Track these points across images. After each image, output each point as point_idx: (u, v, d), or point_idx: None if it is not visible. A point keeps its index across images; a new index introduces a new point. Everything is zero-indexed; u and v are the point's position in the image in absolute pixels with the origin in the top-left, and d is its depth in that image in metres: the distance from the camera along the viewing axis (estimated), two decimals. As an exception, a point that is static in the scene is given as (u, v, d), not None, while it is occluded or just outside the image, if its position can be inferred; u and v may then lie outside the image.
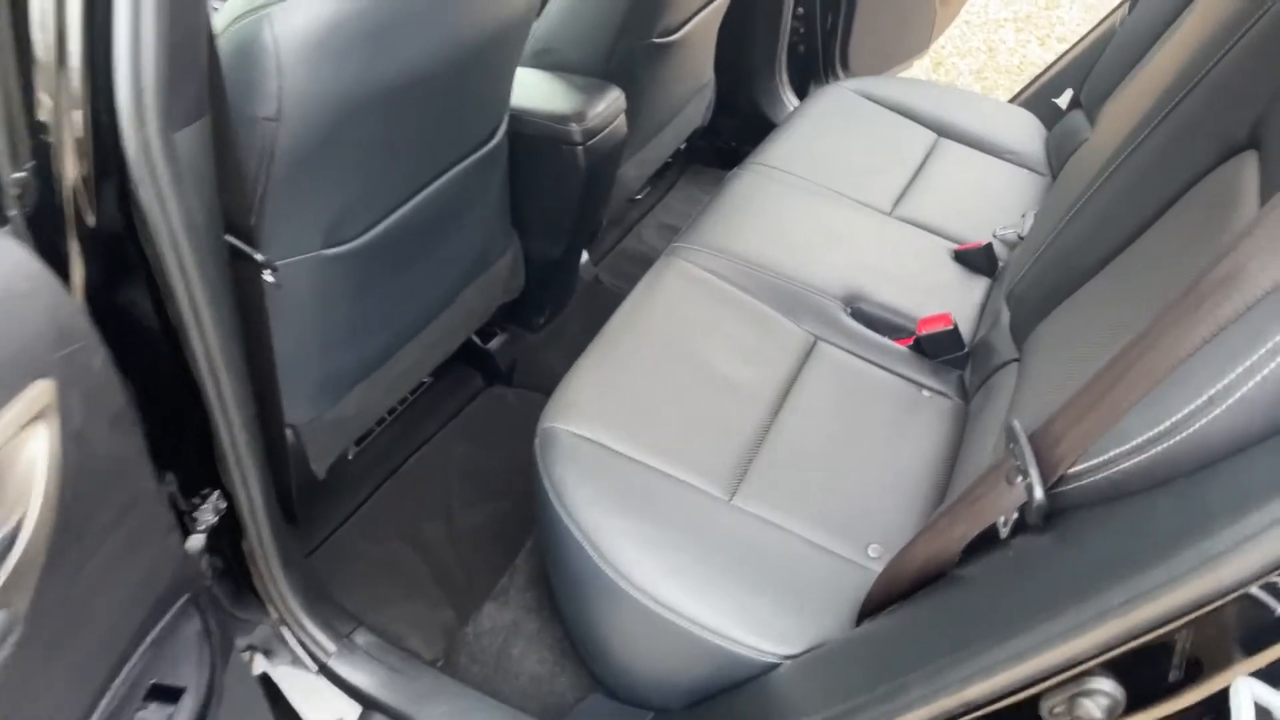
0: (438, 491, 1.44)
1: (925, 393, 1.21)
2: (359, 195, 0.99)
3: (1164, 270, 0.86)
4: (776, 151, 1.59)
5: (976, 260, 1.40)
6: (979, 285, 1.38)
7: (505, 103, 1.27)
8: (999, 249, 1.46)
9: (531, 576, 1.32)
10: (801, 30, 2.18)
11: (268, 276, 0.91)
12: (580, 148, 1.41)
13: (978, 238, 1.48)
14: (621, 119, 1.49)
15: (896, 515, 1.04)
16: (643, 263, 1.95)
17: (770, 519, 1.01)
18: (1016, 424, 0.66)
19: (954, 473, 1.10)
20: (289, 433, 1.13)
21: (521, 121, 1.38)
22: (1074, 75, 1.76)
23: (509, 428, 1.59)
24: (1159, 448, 0.52)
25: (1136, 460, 0.54)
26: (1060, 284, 1.06)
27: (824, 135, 1.66)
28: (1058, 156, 1.69)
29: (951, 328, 1.23)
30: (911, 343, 1.26)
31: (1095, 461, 0.57)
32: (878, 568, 0.98)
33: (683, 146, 2.13)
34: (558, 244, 1.55)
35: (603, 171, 1.49)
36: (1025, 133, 1.75)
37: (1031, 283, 1.12)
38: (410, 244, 1.14)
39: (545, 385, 1.69)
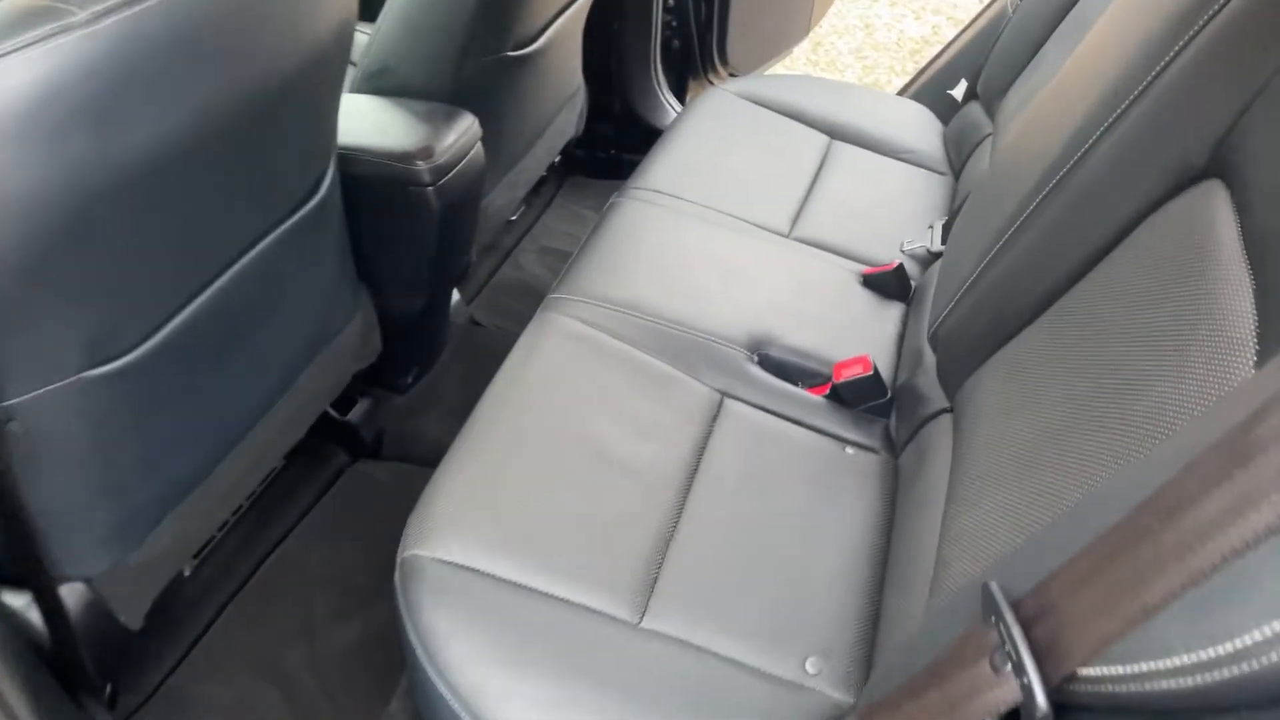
0: (297, 606, 1.22)
1: (849, 449, 1.06)
2: (126, 300, 0.76)
3: (1122, 331, 0.73)
4: (658, 172, 1.42)
5: (888, 284, 1.26)
6: (894, 313, 1.24)
7: (329, 148, 1.05)
8: (910, 267, 1.33)
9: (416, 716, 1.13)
10: (674, 25, 2.01)
11: (11, 427, 0.69)
12: (431, 188, 1.20)
13: (885, 254, 1.35)
14: (478, 148, 1.29)
15: (833, 613, 0.89)
16: (524, 294, 1.76)
17: (689, 639, 0.84)
18: (996, 590, 0.50)
19: (891, 550, 0.96)
20: (81, 588, 0.89)
21: (357, 162, 1.17)
22: (966, 64, 1.65)
23: (380, 513, 1.37)
24: (1217, 674, 0.37)
25: (1183, 682, 0.39)
26: (992, 329, 0.92)
27: (708, 148, 1.49)
28: (957, 153, 1.57)
29: (871, 373, 1.08)
30: (828, 390, 1.11)
31: (1121, 670, 0.42)
32: (819, 685, 0.83)
33: (557, 160, 1.94)
34: (417, 297, 1.33)
35: (462, 210, 1.29)
36: (920, 129, 1.63)
37: (957, 324, 0.98)
38: (217, 339, 0.92)
39: (420, 454, 1.48)
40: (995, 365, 0.91)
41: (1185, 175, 0.74)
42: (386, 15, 1.26)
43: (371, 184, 1.18)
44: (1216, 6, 0.71)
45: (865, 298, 1.26)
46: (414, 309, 1.35)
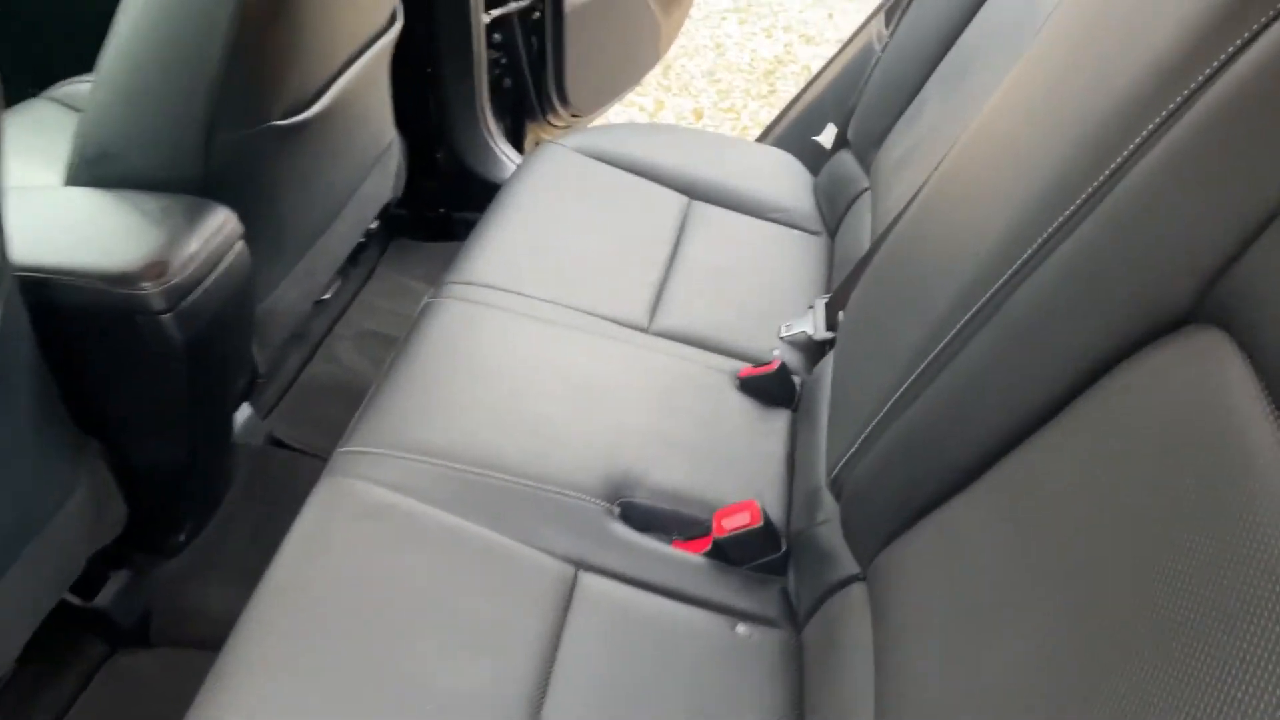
0: None
1: (740, 627, 0.83)
2: None
3: (1098, 520, 0.52)
4: (482, 259, 1.15)
5: (769, 389, 1.04)
6: (779, 424, 1.02)
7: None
8: (791, 358, 1.11)
9: None
10: (504, 62, 1.75)
11: None
12: (167, 316, 0.89)
13: (761, 343, 1.13)
14: (239, 249, 0.99)
15: None
16: (340, 396, 1.46)
17: None
18: None
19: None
20: None
21: (58, 287, 0.85)
22: (833, 106, 1.46)
23: (150, 715, 1.06)
24: None
25: None
26: (908, 491, 0.71)
27: (545, 222, 1.24)
28: (831, 209, 1.38)
29: (760, 524, 0.86)
30: (709, 546, 0.88)
31: None
32: None
33: (374, 226, 1.64)
34: (173, 446, 1.02)
35: (221, 333, 0.99)
36: (788, 182, 1.43)
37: (864, 477, 0.76)
38: None
39: (199, 635, 1.17)
40: (918, 541, 0.70)
41: (1164, 317, 0.54)
42: (99, 85, 0.95)
43: (82, 316, 0.87)
44: (1205, 74, 0.52)
45: (744, 408, 1.03)
46: (172, 460, 1.04)
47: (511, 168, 1.73)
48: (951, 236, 0.74)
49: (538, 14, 1.68)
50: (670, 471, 0.92)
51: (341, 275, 1.68)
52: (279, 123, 1.04)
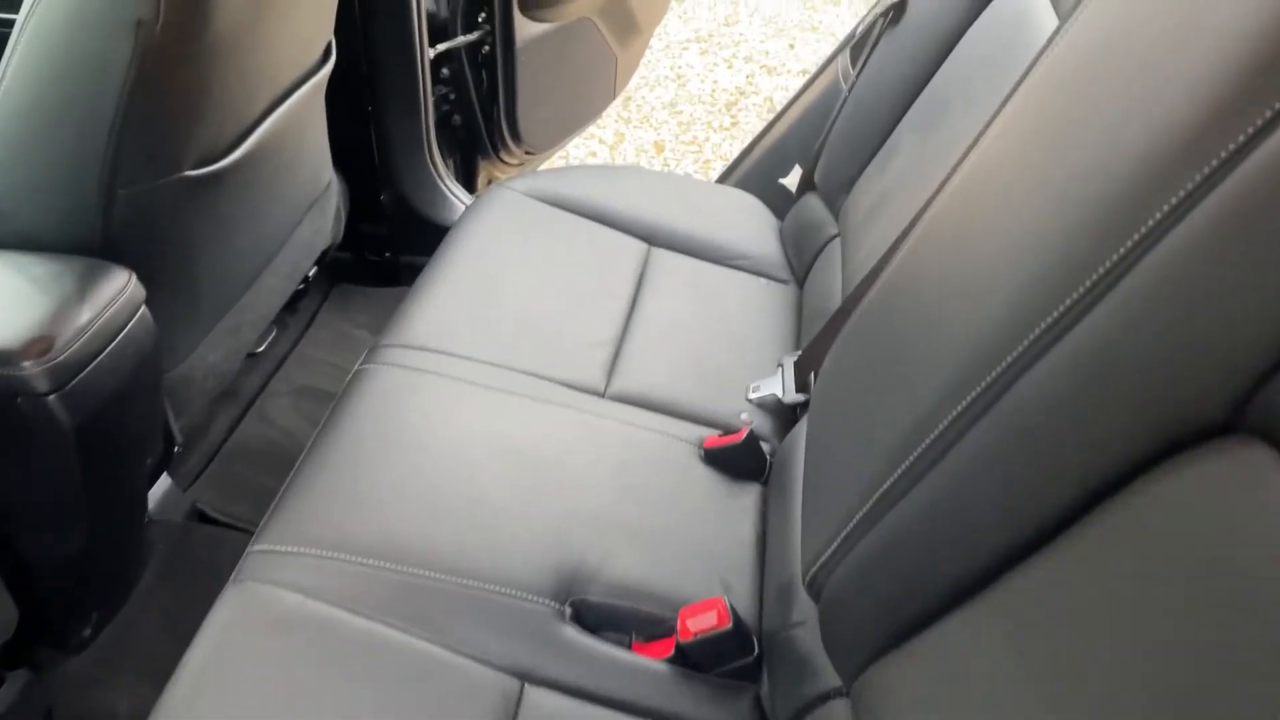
0: None
1: (708, 746, 0.74)
2: None
3: (1121, 685, 0.44)
4: (424, 317, 1.06)
5: (736, 461, 0.95)
6: (749, 500, 0.93)
7: None
8: (760, 424, 1.03)
9: None
10: (452, 97, 1.66)
11: None
12: (53, 397, 0.79)
13: (728, 406, 1.05)
14: (142, 316, 0.88)
15: None
16: (273, 462, 1.34)
17: None
18: None
19: None
20: None
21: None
22: (797, 147, 1.39)
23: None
24: None
25: None
26: (896, 602, 0.62)
27: (492, 273, 1.15)
28: (798, 255, 1.30)
29: (729, 626, 0.76)
30: (672, 651, 0.78)
31: None
32: None
33: (311, 273, 1.54)
34: (73, 537, 0.91)
35: (122, 410, 0.88)
36: (753, 226, 1.36)
37: (845, 581, 0.67)
38: None
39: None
40: (908, 662, 0.61)
41: (1195, 424, 0.46)
42: (-21, 133, 0.84)
43: (-51, 399, 0.76)
44: (1240, 140, 0.44)
45: (710, 483, 0.94)
46: (70, 552, 0.92)
47: (461, 208, 1.63)
48: (937, 308, 0.66)
49: (487, 48, 1.60)
50: (628, 563, 0.83)
51: (278, 325, 1.57)
52: (191, 173, 0.94)
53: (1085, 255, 0.52)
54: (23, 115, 0.83)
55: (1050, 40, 0.69)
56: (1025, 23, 0.89)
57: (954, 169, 0.81)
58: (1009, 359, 0.55)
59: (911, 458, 0.61)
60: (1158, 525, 0.47)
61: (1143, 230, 0.49)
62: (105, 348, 0.83)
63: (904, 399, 0.65)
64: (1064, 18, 0.78)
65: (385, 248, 1.67)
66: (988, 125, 0.75)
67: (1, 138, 0.84)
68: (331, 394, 1.44)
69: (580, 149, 2.73)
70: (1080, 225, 0.53)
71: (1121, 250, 0.50)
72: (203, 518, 1.24)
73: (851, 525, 0.67)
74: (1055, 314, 0.53)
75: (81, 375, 0.80)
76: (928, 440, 0.60)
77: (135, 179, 0.87)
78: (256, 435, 1.39)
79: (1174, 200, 0.47)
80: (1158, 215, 0.48)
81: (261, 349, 1.52)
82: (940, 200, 0.74)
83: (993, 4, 0.99)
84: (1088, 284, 0.51)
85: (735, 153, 2.85)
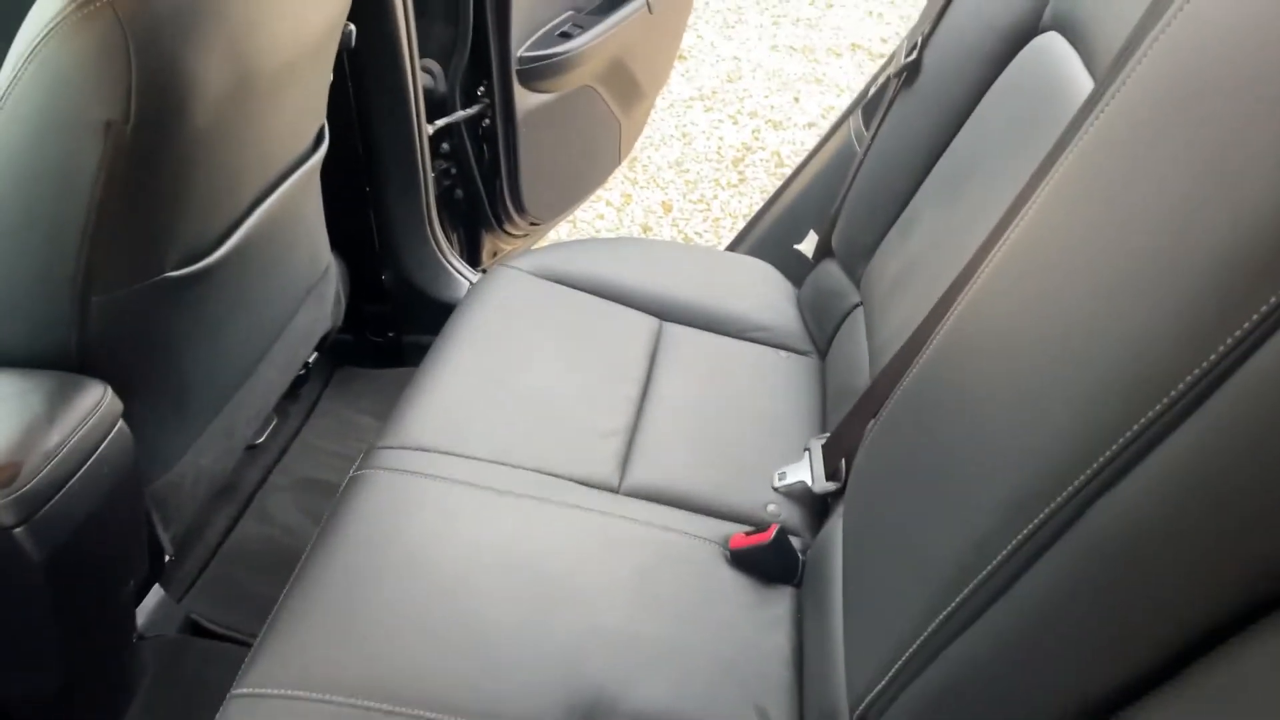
0: None
1: None
2: None
3: None
4: (423, 413, 0.99)
5: (765, 564, 0.87)
6: (781, 609, 0.85)
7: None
8: (790, 515, 0.95)
9: None
10: (454, 172, 1.62)
11: None
12: (21, 529, 0.72)
13: (752, 497, 0.97)
14: (119, 432, 0.82)
15: None
16: (273, 564, 1.28)
17: None
18: None
19: None
20: None
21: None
22: (812, 211, 1.33)
23: None
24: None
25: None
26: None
27: (495, 361, 1.08)
28: (819, 326, 1.24)
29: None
30: (705, 793, 0.70)
31: None
32: None
33: (312, 359, 1.48)
34: (47, 674, 0.83)
35: (98, 534, 0.81)
36: (769, 296, 1.29)
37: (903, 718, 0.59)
38: None
39: None
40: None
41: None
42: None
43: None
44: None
45: (738, 589, 0.86)
46: (45, 689, 0.85)
47: (465, 284, 1.58)
48: (983, 410, 0.59)
49: (487, 120, 1.56)
50: (653, 690, 0.75)
51: (278, 413, 1.51)
52: (174, 273, 0.89)
53: (1168, 361, 0.44)
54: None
55: (1092, 104, 0.63)
56: (1054, 83, 0.83)
57: (987, 244, 0.75)
58: (1081, 479, 0.48)
59: (971, 585, 0.54)
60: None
61: (1237, 333, 0.42)
62: (77, 470, 0.76)
63: (956, 514, 0.57)
64: (1101, 77, 0.72)
65: (388, 328, 1.62)
66: (1025, 198, 0.68)
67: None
68: (334, 485, 1.37)
69: (588, 211, 2.70)
70: (1158, 325, 0.46)
71: (1213, 356, 0.42)
72: (197, 630, 1.16)
73: (905, 658, 0.59)
74: (1135, 428, 0.45)
75: (51, 503, 0.74)
76: (989, 567, 0.53)
77: (111, 285, 0.82)
78: (255, 535, 1.32)
79: (1274, 299, 0.40)
80: (1254, 317, 0.41)
81: (261, 440, 1.46)
82: (978, 283, 0.68)
83: (1014, 63, 0.94)
84: (1173, 394, 0.44)
85: (744, 209, 2.82)
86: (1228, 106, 0.46)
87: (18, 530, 0.72)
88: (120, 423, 0.82)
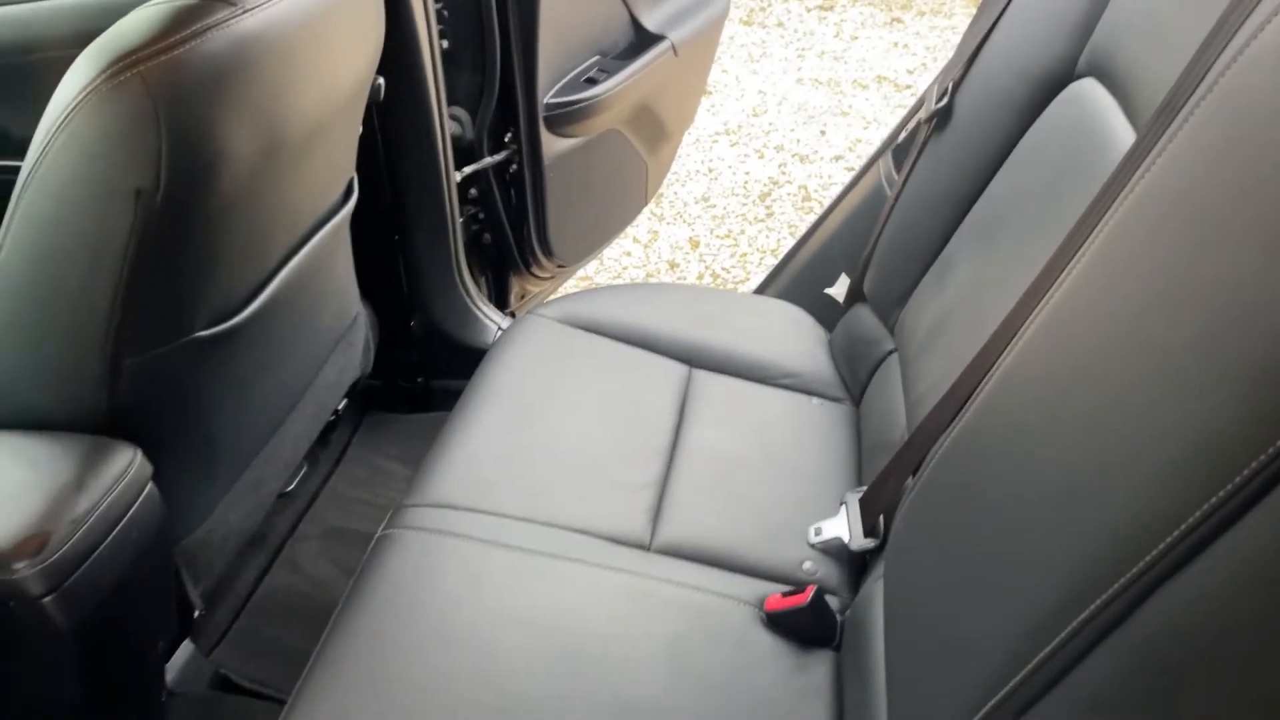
0: None
1: None
2: None
3: None
4: (450, 470, 0.98)
5: (802, 626, 0.85)
6: (820, 677, 0.82)
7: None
8: (827, 573, 0.93)
9: None
10: (482, 217, 1.62)
11: None
12: (49, 600, 0.72)
13: (787, 554, 0.95)
14: (149, 494, 0.82)
15: None
16: (303, 615, 1.27)
17: None
18: None
19: None
20: None
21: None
22: (843, 255, 1.32)
23: None
24: None
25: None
26: None
27: (523, 413, 1.07)
28: (852, 372, 1.21)
29: None
30: None
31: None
32: None
33: (341, 406, 1.48)
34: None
35: (127, 600, 0.81)
36: (800, 340, 1.27)
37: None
38: None
39: None
40: None
41: None
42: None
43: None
44: None
45: (775, 653, 0.83)
46: (71, 753, 0.84)
47: (494, 329, 1.58)
48: (1036, 488, 0.56)
49: (515, 166, 1.57)
50: (686, 764, 0.72)
51: (308, 460, 1.51)
52: (203, 333, 0.89)
53: (1234, 444, 0.42)
54: (19, 293, 0.78)
55: (1138, 158, 0.60)
56: (1092, 132, 0.81)
57: (1027, 299, 0.72)
58: (1138, 568, 0.45)
59: (1022, 675, 0.51)
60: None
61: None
62: (107, 537, 0.76)
63: (1004, 597, 0.55)
64: (1144, 128, 0.69)
65: (417, 373, 1.61)
66: (1066, 253, 0.66)
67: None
68: (363, 534, 1.36)
69: (614, 249, 2.70)
70: (1224, 406, 0.43)
71: (1281, 442, 0.40)
72: (227, 685, 1.15)
73: (954, 740, 0.56)
74: (1198, 514, 0.43)
75: (80, 571, 0.74)
76: (1040, 655, 0.50)
77: (142, 348, 0.82)
78: (285, 586, 1.31)
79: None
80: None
81: (290, 488, 1.45)
82: (1019, 345, 0.65)
83: (1050, 109, 0.92)
84: (1239, 479, 0.42)
85: (772, 244, 2.80)
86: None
87: (46, 600, 0.72)
88: (150, 485, 0.82)
